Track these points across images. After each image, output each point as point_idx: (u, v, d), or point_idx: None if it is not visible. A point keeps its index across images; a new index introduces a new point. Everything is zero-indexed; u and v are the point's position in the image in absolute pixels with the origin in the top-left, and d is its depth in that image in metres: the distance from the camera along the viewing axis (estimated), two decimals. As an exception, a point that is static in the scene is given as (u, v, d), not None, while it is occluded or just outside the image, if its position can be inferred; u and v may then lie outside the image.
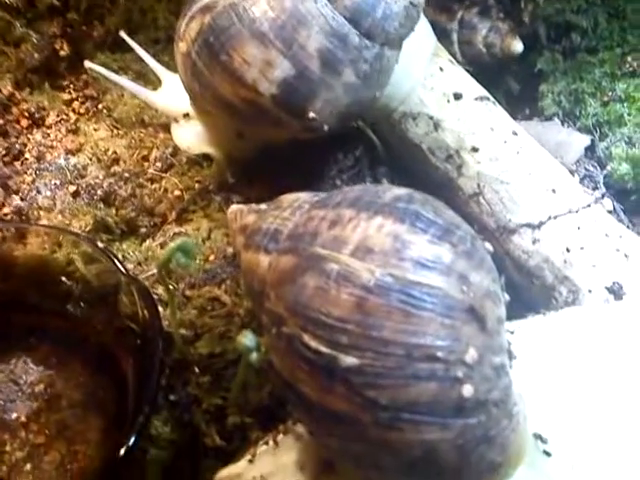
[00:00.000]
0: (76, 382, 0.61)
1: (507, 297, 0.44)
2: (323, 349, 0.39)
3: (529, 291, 0.63)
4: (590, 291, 0.60)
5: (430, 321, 0.38)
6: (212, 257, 0.64)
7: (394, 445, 0.39)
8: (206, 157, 0.70)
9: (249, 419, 0.53)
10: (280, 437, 0.51)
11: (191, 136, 0.66)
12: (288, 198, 0.50)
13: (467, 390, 0.38)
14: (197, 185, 0.68)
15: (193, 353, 0.56)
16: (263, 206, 0.52)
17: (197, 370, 0.54)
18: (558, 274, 0.61)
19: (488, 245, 0.44)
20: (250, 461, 0.51)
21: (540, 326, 0.55)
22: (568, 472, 0.48)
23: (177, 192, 0.68)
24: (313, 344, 0.40)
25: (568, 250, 0.61)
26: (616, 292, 0.59)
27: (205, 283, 0.61)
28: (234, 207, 0.54)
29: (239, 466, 0.51)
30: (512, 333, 0.54)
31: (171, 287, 0.61)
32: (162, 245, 0.64)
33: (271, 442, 0.51)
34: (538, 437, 0.50)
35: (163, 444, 0.54)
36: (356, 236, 0.41)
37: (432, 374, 0.37)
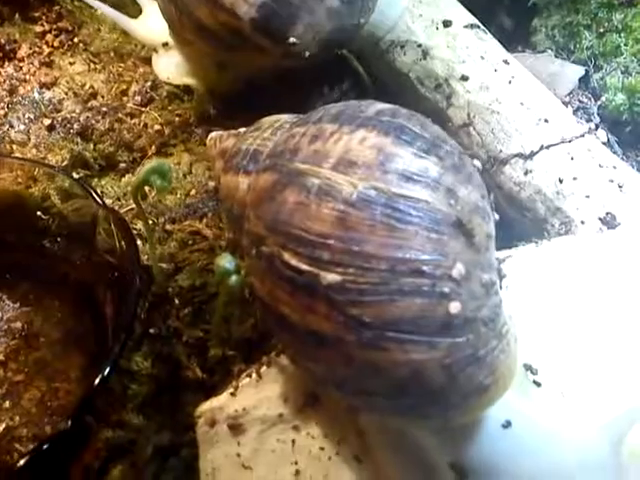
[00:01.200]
0: (55, 319, 0.59)
1: (496, 216, 0.42)
2: (304, 267, 0.37)
3: (521, 225, 0.61)
4: (583, 222, 0.58)
5: (415, 235, 0.36)
6: (193, 192, 0.62)
7: (379, 366, 0.37)
8: (187, 91, 0.67)
9: (231, 352, 0.51)
10: (263, 369, 0.49)
11: (171, 66, 0.64)
12: (269, 119, 0.48)
13: (454, 307, 0.36)
14: (178, 119, 0.66)
15: (173, 286, 0.54)
16: (242, 129, 0.49)
17: (177, 302, 0.53)
18: (550, 206, 0.60)
19: (477, 162, 0.42)
20: (232, 394, 0.49)
21: (532, 255, 0.53)
22: (558, 402, 0.47)
23: (157, 126, 0.66)
24: (293, 262, 0.38)
25: (561, 181, 0.59)
26: (609, 223, 0.58)
27: (186, 217, 0.59)
28: (213, 134, 0.52)
29: (221, 399, 0.49)
30: (503, 261, 0.53)
31: (151, 221, 0.59)
32: (142, 180, 0.62)
33: (254, 375, 0.50)
34: (528, 368, 0.49)
35: (143, 379, 0.52)
36: (338, 150, 0.39)
37: (417, 290, 0.36)
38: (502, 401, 0.42)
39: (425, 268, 0.36)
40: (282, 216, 0.39)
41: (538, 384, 0.49)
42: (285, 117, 0.47)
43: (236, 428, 0.49)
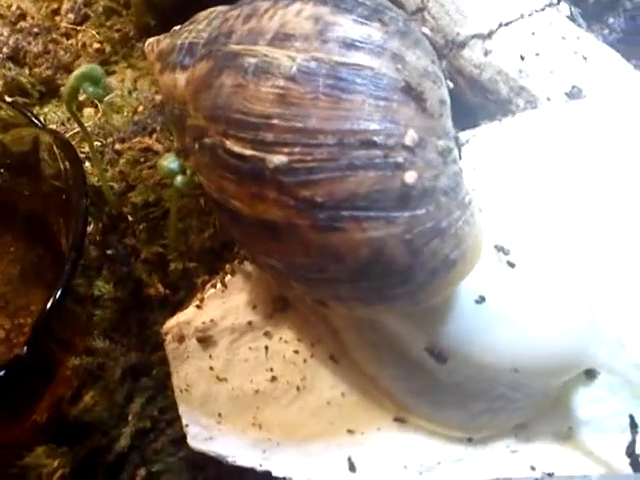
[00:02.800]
0: (10, 255, 0.56)
1: (450, 84, 0.39)
2: (248, 152, 0.35)
3: (485, 108, 0.59)
4: (549, 99, 0.56)
5: (363, 104, 0.34)
6: (141, 108, 0.58)
7: (338, 249, 0.35)
8: (125, 4, 0.63)
9: (193, 264, 0.49)
10: (228, 278, 0.47)
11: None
12: (204, 12, 0.45)
13: (410, 176, 0.34)
14: (117, 34, 0.62)
15: (127, 204, 0.52)
16: (177, 27, 0.46)
17: (131, 219, 0.50)
18: (513, 85, 0.57)
19: (425, 29, 0.39)
20: (198, 307, 0.47)
21: (496, 133, 0.51)
22: (533, 280, 0.46)
23: (96, 45, 0.62)
24: (237, 149, 0.35)
25: (522, 58, 0.57)
26: (575, 96, 0.55)
27: (135, 135, 0.56)
28: (150, 39, 0.49)
29: (187, 313, 0.47)
30: (467, 142, 0.51)
31: (99, 143, 0.56)
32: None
33: (219, 285, 0.47)
34: (500, 249, 0.47)
35: (107, 303, 0.50)
36: (273, 25, 0.36)
37: (370, 162, 0.33)
38: (473, 277, 0.40)
39: (376, 138, 0.33)
40: (220, 102, 0.36)
41: (512, 264, 0.47)
42: (221, 7, 0.44)
43: (206, 341, 0.47)
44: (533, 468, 0.42)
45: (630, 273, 0.45)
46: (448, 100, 0.38)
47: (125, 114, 0.58)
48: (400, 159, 0.34)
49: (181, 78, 0.42)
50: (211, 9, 0.45)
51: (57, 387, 0.49)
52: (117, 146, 0.56)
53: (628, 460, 0.41)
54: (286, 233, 0.36)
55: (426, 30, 0.39)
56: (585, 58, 0.57)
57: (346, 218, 0.34)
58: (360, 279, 0.36)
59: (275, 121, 0.34)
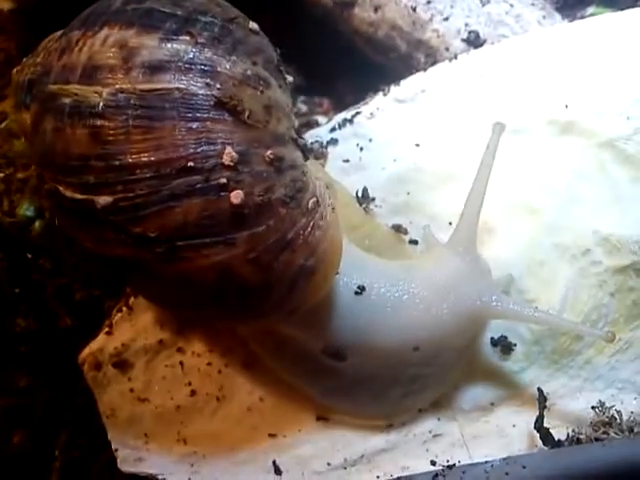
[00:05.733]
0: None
1: (290, 78, 0.37)
2: (78, 196, 0.34)
3: (390, 67, 0.56)
4: (447, 49, 0.53)
5: (174, 130, 0.32)
6: (37, 131, 0.57)
7: (189, 277, 0.34)
8: (7, 18, 0.61)
9: (96, 291, 0.48)
10: (132, 300, 0.47)
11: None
12: (45, 41, 0.43)
13: (236, 196, 0.32)
14: (2, 55, 0.60)
15: (29, 238, 0.51)
16: (25, 58, 0.44)
17: (30, 256, 0.49)
18: (410, 39, 0.54)
19: (253, 24, 0.37)
20: (108, 333, 0.47)
21: (381, 104, 0.48)
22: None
23: (-16, 71, 0.60)
24: (69, 194, 0.34)
25: (414, 9, 0.54)
26: (474, 42, 0.53)
27: (36, 160, 0.55)
28: (14, 70, 0.47)
29: (99, 341, 0.47)
30: (350, 121, 0.48)
31: (3, 174, 0.55)
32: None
33: (124, 308, 0.47)
34: (397, 228, 0.46)
35: (28, 338, 0.50)
36: (82, 58, 0.34)
37: (191, 189, 0.32)
38: (346, 270, 0.39)
39: (192, 163, 0.32)
40: (46, 148, 0.35)
41: (415, 242, 0.46)
42: (57, 33, 0.42)
43: (122, 365, 0.47)
44: (434, 463, 0.41)
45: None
46: (281, 101, 0.35)
47: (23, 139, 0.56)
48: (223, 180, 0.32)
49: (27, 119, 0.40)
50: (50, 36, 0.43)
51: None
52: (20, 174, 0.55)
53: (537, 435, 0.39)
54: (136, 267, 0.35)
55: (254, 25, 0.37)
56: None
57: (184, 248, 0.33)
58: (221, 300, 0.35)
59: (93, 162, 0.33)
